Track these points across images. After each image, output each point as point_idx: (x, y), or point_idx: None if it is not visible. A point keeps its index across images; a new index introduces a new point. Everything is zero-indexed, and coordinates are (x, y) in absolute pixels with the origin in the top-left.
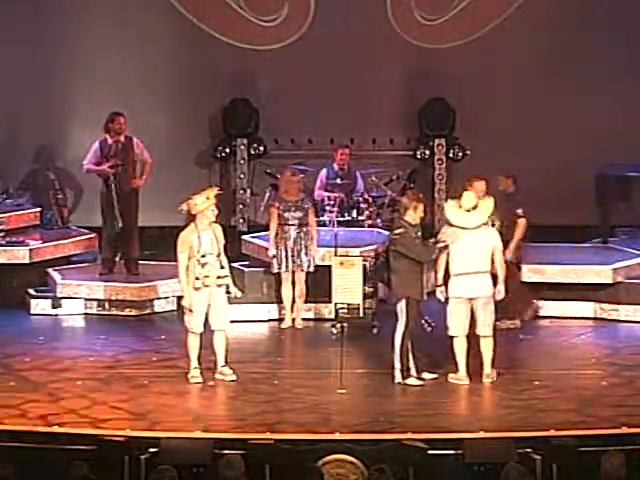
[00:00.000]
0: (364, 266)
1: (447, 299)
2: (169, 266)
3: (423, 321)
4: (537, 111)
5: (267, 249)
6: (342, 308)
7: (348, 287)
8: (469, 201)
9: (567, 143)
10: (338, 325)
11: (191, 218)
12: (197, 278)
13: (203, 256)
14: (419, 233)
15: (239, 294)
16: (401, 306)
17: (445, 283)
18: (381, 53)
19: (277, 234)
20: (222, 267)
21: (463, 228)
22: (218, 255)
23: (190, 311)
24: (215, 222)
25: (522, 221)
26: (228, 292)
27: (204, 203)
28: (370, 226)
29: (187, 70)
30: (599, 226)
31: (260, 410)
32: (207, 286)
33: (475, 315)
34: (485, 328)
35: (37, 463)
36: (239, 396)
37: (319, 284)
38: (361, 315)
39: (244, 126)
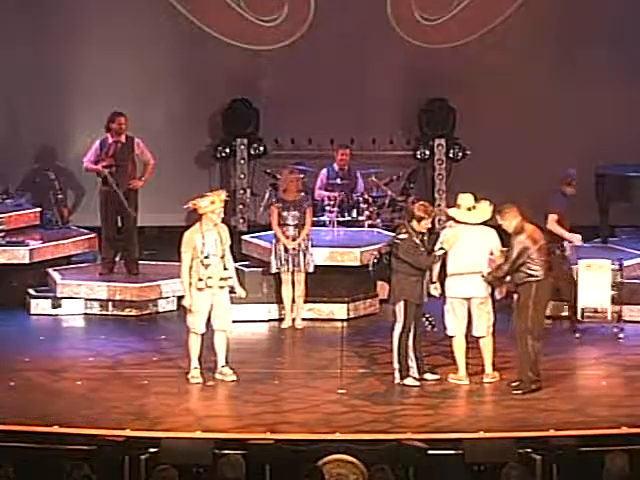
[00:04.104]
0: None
1: (443, 297)
2: (169, 266)
3: (424, 319)
4: (537, 111)
5: (274, 247)
6: (588, 311)
7: (594, 291)
8: (468, 200)
9: (567, 143)
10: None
11: (197, 217)
12: (200, 279)
13: (206, 257)
14: (425, 237)
15: (244, 294)
16: (399, 307)
17: (441, 282)
18: (381, 53)
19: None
20: (226, 268)
21: (467, 223)
22: (222, 256)
23: (190, 311)
24: (221, 223)
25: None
26: (232, 292)
27: (208, 207)
28: (370, 226)
29: (187, 70)
30: (599, 226)
31: (260, 410)
32: (210, 287)
33: (471, 316)
34: (482, 329)
35: (37, 463)
36: (239, 396)
37: (320, 284)
38: (608, 318)
39: (244, 126)
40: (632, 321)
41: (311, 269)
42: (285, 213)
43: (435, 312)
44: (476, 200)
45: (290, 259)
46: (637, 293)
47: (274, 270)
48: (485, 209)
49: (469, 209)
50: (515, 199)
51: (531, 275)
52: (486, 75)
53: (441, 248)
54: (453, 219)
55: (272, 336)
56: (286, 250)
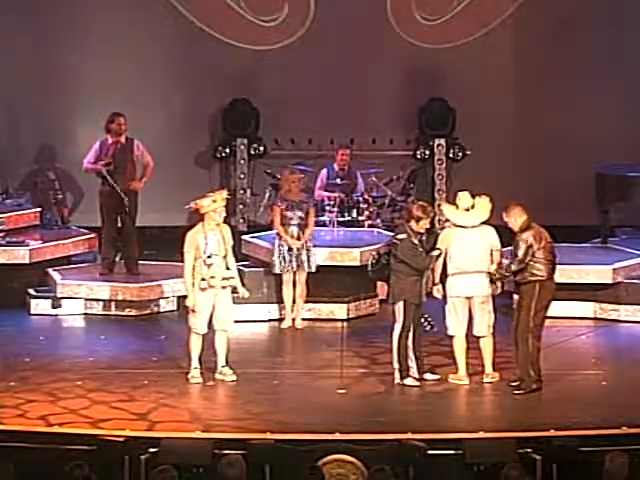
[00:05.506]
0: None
1: (444, 297)
2: (169, 266)
3: (423, 319)
4: (537, 111)
5: (277, 248)
6: None
7: None
8: (465, 201)
9: (567, 143)
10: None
11: (200, 217)
12: (203, 279)
13: (209, 257)
14: (423, 237)
15: (247, 294)
16: (399, 307)
17: (442, 282)
18: (381, 53)
19: (278, 234)
20: (228, 268)
21: (464, 227)
22: (225, 256)
23: (193, 311)
24: (223, 223)
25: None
26: (235, 292)
27: (209, 206)
28: (370, 226)
29: (187, 70)
30: (599, 226)
31: (260, 410)
32: (212, 287)
33: (472, 315)
34: (482, 328)
35: (37, 463)
36: (239, 396)
37: (320, 284)
38: None
39: (244, 126)
40: (632, 321)
41: (314, 269)
42: (289, 213)
43: (435, 312)
44: (473, 197)
45: (294, 259)
46: (637, 293)
47: (277, 271)
48: (484, 207)
49: (467, 209)
50: (515, 199)
51: (534, 275)
52: (486, 75)
53: (437, 249)
54: (452, 223)
55: (272, 336)
56: (290, 250)
